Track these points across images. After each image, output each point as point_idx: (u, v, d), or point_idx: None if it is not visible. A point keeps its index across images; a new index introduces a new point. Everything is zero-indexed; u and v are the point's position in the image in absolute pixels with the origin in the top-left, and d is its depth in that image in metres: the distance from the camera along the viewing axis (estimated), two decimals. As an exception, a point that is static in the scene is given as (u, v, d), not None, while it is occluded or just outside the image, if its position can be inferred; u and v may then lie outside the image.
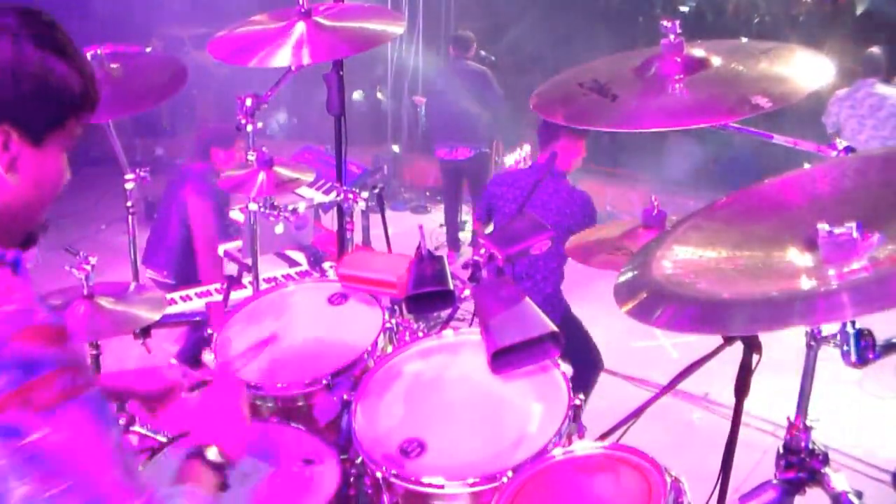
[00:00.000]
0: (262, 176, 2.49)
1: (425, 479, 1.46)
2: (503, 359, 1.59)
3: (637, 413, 1.87)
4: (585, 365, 3.57)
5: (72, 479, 0.94)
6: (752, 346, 1.63)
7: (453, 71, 6.84)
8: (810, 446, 1.57)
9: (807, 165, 1.36)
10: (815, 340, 1.53)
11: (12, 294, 0.99)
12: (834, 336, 1.38)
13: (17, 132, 1.11)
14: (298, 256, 3.96)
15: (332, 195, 2.66)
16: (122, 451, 1.00)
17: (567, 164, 3.67)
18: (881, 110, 5.81)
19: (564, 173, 3.64)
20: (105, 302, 2.20)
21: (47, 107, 1.14)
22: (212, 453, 1.28)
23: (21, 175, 1.13)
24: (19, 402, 0.93)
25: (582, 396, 1.61)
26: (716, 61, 1.60)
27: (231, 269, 3.98)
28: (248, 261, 2.96)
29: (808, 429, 1.58)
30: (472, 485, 1.46)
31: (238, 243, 3.91)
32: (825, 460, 1.56)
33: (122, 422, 2.17)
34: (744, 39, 1.77)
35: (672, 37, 1.60)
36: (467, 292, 1.79)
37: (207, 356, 1.91)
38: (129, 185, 2.71)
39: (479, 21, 8.60)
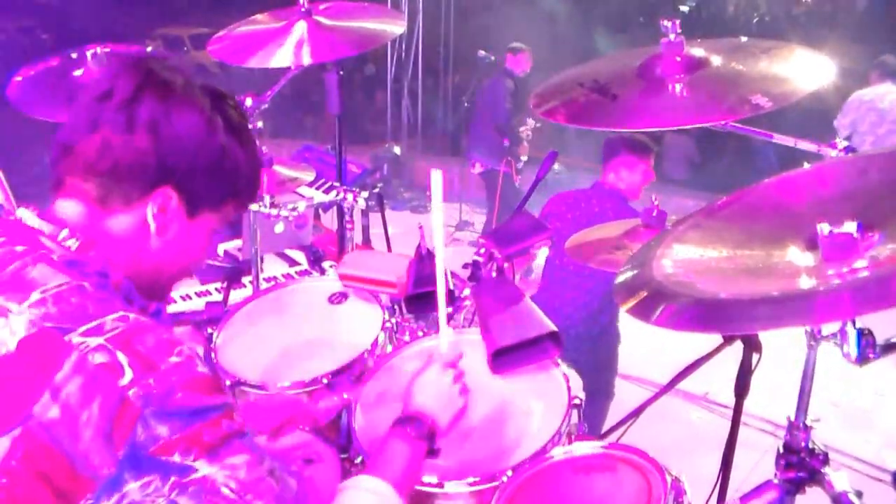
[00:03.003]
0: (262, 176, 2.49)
1: (425, 479, 1.46)
2: (503, 359, 1.59)
3: (637, 413, 1.87)
4: (605, 394, 3.55)
5: None
6: (751, 345, 1.63)
7: (488, 82, 6.65)
8: (810, 446, 1.57)
9: (807, 165, 1.36)
10: (815, 340, 1.53)
11: (173, 347, 1.04)
12: (834, 335, 1.38)
13: (178, 198, 1.15)
14: (298, 256, 3.95)
15: (332, 195, 2.67)
16: (275, 477, 1.07)
17: (629, 188, 3.45)
18: None
19: (625, 198, 3.44)
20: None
21: (214, 185, 1.18)
22: (416, 424, 1.36)
23: (167, 240, 1.18)
24: (189, 443, 1.00)
25: (582, 395, 1.61)
26: (716, 61, 1.60)
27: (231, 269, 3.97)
28: (249, 260, 2.96)
29: (807, 428, 1.58)
30: (472, 484, 1.45)
31: (238, 243, 3.91)
32: (825, 460, 1.56)
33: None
34: (744, 39, 1.77)
35: (672, 36, 1.60)
36: (467, 292, 1.79)
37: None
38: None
39: (478, 20, 8.61)
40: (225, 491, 1.01)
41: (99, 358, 0.99)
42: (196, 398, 1.01)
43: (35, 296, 1.04)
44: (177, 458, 0.99)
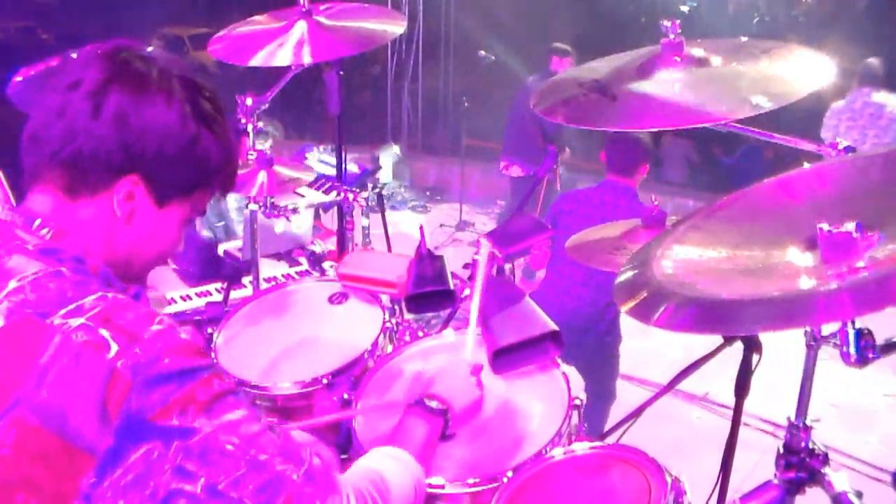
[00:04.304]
0: (262, 176, 2.49)
1: (425, 480, 1.46)
2: (503, 358, 1.59)
3: (637, 413, 1.87)
4: (607, 396, 3.56)
5: (244, 464, 1.02)
6: (752, 346, 1.63)
7: (531, 83, 6.36)
8: (810, 446, 1.57)
9: (807, 165, 1.36)
10: (814, 340, 1.53)
11: (153, 317, 1.05)
12: (834, 336, 1.38)
13: (145, 186, 1.15)
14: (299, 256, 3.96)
15: (332, 195, 2.67)
16: (275, 431, 1.07)
17: (636, 183, 3.60)
18: (881, 119, 5.78)
19: (636, 192, 3.55)
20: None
21: (181, 173, 1.17)
22: (433, 402, 1.39)
23: (135, 228, 1.17)
24: (184, 404, 1.00)
25: (582, 396, 1.61)
26: (716, 61, 1.60)
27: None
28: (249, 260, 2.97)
29: (807, 429, 1.58)
30: (473, 485, 1.46)
31: (238, 243, 3.92)
32: (825, 460, 1.56)
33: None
34: (744, 39, 1.77)
35: (672, 36, 1.60)
36: (468, 292, 1.79)
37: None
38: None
39: (479, 21, 8.61)
40: (229, 447, 1.01)
41: (82, 336, 1.00)
42: (183, 360, 1.03)
43: (12, 284, 1.04)
44: (175, 421, 1.00)
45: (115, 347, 1.00)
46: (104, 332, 1.01)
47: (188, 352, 1.04)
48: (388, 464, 1.26)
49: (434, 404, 1.41)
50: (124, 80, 1.12)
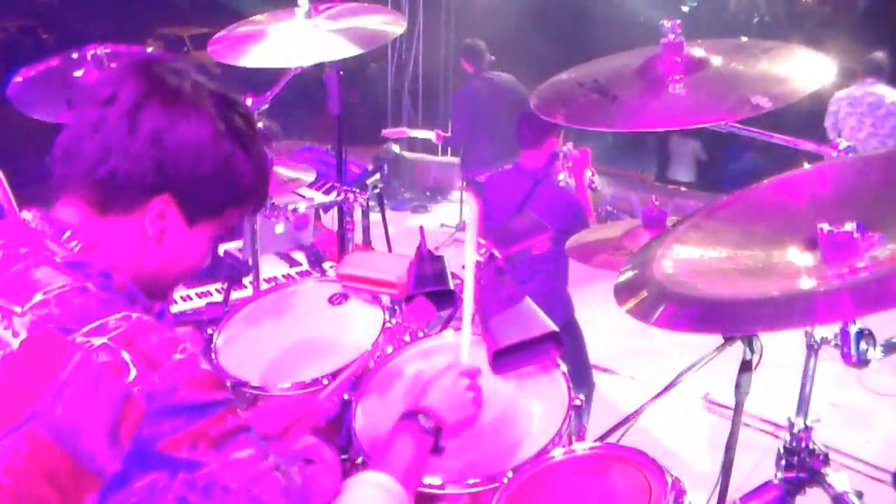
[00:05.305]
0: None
1: (425, 480, 1.46)
2: (503, 359, 1.59)
3: (637, 413, 1.87)
4: (582, 385, 3.53)
5: (246, 503, 1.01)
6: (752, 346, 1.63)
7: (479, 87, 6.24)
8: (810, 446, 1.57)
9: (807, 165, 1.36)
10: (815, 340, 1.53)
11: (176, 344, 1.04)
12: (834, 336, 1.38)
13: (177, 206, 1.15)
14: (299, 256, 3.96)
15: (333, 195, 2.67)
16: (281, 472, 1.06)
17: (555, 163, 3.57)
18: (880, 109, 5.85)
19: (549, 173, 3.54)
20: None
21: (214, 193, 1.17)
22: (423, 419, 1.35)
23: (164, 246, 1.17)
24: (195, 439, 1.00)
25: (583, 397, 1.61)
26: (716, 61, 1.61)
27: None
28: (249, 260, 2.97)
29: (808, 429, 1.58)
30: (473, 486, 1.45)
31: (238, 243, 3.92)
32: (825, 460, 1.56)
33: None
34: (744, 39, 1.77)
35: (672, 36, 1.60)
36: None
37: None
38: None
39: (479, 21, 8.61)
40: (232, 486, 1.01)
41: (103, 357, 0.99)
42: (199, 394, 1.02)
43: (37, 297, 1.04)
44: (184, 453, 0.99)
45: (133, 372, 0.99)
46: (125, 355, 1.00)
47: (206, 385, 1.03)
48: (377, 496, 1.24)
49: (426, 421, 1.35)
50: (159, 96, 1.12)
